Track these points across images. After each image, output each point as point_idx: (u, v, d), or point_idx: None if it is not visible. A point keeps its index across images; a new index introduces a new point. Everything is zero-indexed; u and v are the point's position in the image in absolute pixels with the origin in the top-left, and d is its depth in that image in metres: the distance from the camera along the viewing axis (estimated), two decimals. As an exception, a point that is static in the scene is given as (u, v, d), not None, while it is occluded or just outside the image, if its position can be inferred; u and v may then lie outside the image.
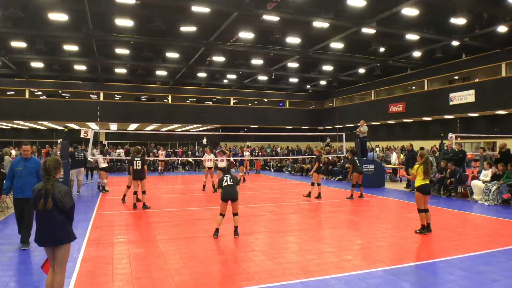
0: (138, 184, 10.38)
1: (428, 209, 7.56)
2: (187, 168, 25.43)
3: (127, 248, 6.48)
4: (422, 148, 13.10)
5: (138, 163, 10.28)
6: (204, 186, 14.45)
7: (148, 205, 10.43)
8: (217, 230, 7.22)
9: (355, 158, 12.76)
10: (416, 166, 7.52)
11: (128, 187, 11.18)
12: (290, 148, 29.68)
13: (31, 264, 5.65)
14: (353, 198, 12.20)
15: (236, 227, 7.34)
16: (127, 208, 10.50)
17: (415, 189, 7.64)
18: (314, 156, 13.97)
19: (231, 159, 15.53)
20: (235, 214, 7.32)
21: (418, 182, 7.51)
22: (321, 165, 12.37)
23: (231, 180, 7.28)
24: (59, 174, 4.06)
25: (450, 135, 15.93)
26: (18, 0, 15.63)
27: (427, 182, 7.52)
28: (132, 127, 38.43)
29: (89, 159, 17.08)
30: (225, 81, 33.78)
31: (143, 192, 10.47)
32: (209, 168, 14.50)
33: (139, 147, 11.81)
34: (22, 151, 6.44)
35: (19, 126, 39.52)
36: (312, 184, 12.32)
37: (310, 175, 13.13)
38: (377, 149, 25.60)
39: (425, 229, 7.50)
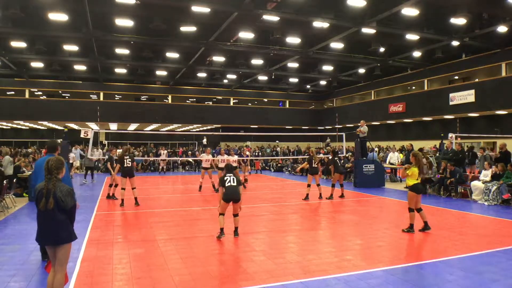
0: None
1: (421, 208, 7.66)
2: (187, 168, 25.46)
3: (127, 248, 6.48)
4: (421, 149, 13.13)
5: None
6: (200, 187, 14.37)
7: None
8: (222, 230, 7.03)
9: (336, 158, 12.49)
10: (414, 168, 7.54)
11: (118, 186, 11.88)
12: (290, 149, 29.66)
13: (31, 264, 5.65)
14: (333, 198, 12.07)
15: (236, 228, 7.27)
16: (127, 208, 10.51)
17: (408, 189, 7.65)
18: (307, 156, 13.85)
19: (236, 158, 15.34)
20: (235, 215, 7.22)
21: (412, 181, 7.58)
22: (315, 165, 11.99)
23: (234, 181, 7.12)
24: (61, 174, 4.06)
25: (450, 135, 15.95)
26: (18, 0, 15.62)
27: (419, 181, 7.62)
28: (132, 127, 38.43)
29: (89, 157, 17.32)
30: (225, 81, 33.74)
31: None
32: (206, 169, 14.41)
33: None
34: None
35: (19, 126, 39.51)
36: (308, 185, 12.07)
37: (298, 173, 13.43)
38: (376, 149, 25.53)
39: (412, 228, 7.59)
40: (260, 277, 5.07)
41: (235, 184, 7.11)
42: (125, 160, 10.85)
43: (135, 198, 10.83)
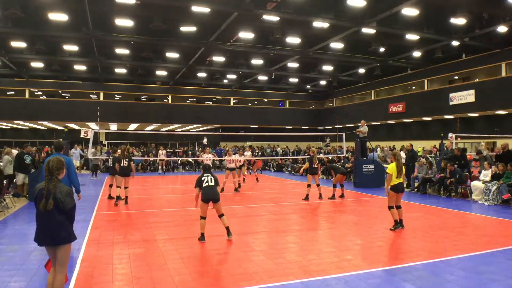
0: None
1: (400, 205, 7.82)
2: (187, 168, 25.45)
3: (127, 248, 6.48)
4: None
5: None
6: None
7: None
8: (202, 234, 6.87)
9: (333, 164, 14.04)
10: (392, 165, 7.66)
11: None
12: (289, 149, 29.65)
13: (31, 264, 5.64)
14: (335, 198, 12.15)
15: (227, 228, 6.96)
16: (127, 208, 10.51)
17: (390, 189, 7.75)
18: (307, 156, 14.27)
19: (235, 157, 15.13)
20: (221, 215, 6.94)
21: (392, 181, 7.68)
22: (315, 166, 11.99)
23: (212, 181, 6.95)
24: (62, 175, 4.06)
25: (450, 135, 15.94)
26: (18, 0, 15.62)
27: (400, 180, 7.74)
28: (132, 127, 38.43)
29: (90, 157, 17.73)
30: (225, 81, 33.74)
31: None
32: None
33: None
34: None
35: (19, 126, 39.51)
36: (308, 185, 12.06)
37: (300, 174, 14.12)
38: (378, 149, 25.52)
39: (398, 224, 7.73)
40: (260, 277, 5.07)
41: (213, 184, 6.93)
42: (122, 160, 11.04)
43: (126, 198, 11.06)
